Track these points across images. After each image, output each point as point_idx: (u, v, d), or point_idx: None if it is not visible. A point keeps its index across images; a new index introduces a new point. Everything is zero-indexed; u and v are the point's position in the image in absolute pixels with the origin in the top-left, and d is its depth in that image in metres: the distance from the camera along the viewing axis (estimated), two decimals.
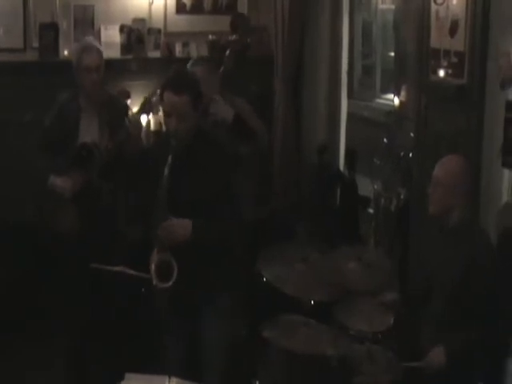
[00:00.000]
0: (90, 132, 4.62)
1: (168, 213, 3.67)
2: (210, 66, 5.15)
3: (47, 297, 5.41)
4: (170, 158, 3.67)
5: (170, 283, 3.61)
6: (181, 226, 3.67)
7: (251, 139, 4.98)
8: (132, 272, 3.75)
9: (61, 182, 4.54)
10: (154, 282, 3.63)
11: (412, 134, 5.13)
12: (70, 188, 4.54)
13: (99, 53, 4.67)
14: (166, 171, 3.65)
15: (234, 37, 6.54)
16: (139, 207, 4.10)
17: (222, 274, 3.86)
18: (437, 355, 3.69)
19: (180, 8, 6.91)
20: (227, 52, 5.80)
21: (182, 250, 3.63)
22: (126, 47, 6.70)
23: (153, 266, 3.63)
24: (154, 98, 4.58)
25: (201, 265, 3.72)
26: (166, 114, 3.79)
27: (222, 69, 5.42)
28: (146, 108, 4.73)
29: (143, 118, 6.12)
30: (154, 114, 6.25)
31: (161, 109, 5.32)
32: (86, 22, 6.53)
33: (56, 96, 4.76)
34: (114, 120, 4.64)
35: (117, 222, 4.77)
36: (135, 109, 6.07)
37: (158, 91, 4.55)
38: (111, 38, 6.61)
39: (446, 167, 3.84)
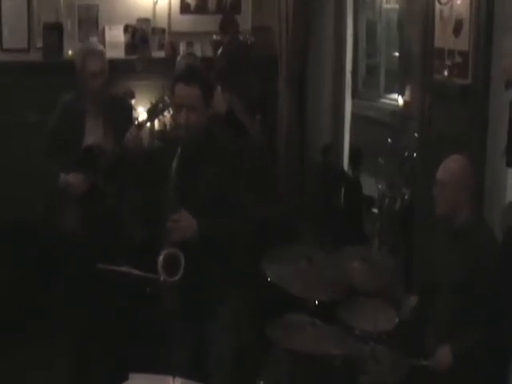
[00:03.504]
0: (94, 133, 4.62)
1: (177, 205, 3.67)
2: (196, 59, 5.18)
3: (47, 297, 5.42)
4: (179, 150, 3.67)
5: (177, 277, 3.61)
6: (187, 222, 3.66)
7: (243, 134, 4.97)
8: (137, 272, 3.75)
9: (73, 179, 4.54)
10: (162, 276, 3.63)
11: (416, 134, 5.13)
12: (80, 184, 4.54)
13: (102, 56, 4.64)
14: (175, 163, 3.65)
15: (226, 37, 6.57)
16: (143, 209, 4.10)
17: (230, 276, 3.86)
18: (444, 355, 3.70)
19: (184, 8, 6.92)
20: (218, 52, 5.82)
21: (191, 250, 3.63)
22: (130, 47, 6.71)
23: (160, 260, 3.63)
24: (161, 105, 4.57)
25: (210, 266, 3.72)
26: (177, 107, 3.78)
27: (214, 68, 5.45)
28: (152, 116, 4.70)
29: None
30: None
31: (167, 111, 5.35)
32: (91, 22, 6.54)
33: (59, 97, 4.75)
34: (118, 121, 4.63)
35: (121, 223, 4.76)
36: (140, 108, 6.11)
37: (166, 97, 4.56)
38: (115, 38, 6.62)
39: (449, 168, 3.84)
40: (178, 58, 5.37)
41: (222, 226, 3.72)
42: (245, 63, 6.56)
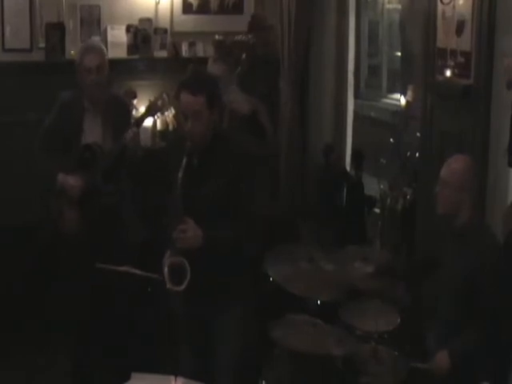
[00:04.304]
0: (93, 132, 4.62)
1: (183, 214, 3.66)
2: (230, 66, 5.17)
3: (47, 297, 5.42)
4: (184, 161, 3.67)
5: (183, 286, 3.60)
6: (194, 232, 3.65)
7: (262, 139, 4.97)
8: (137, 272, 3.75)
9: (73, 181, 4.53)
10: (168, 285, 3.62)
11: (418, 134, 5.13)
12: (79, 185, 4.53)
13: (101, 53, 4.64)
14: (181, 174, 3.65)
15: (249, 38, 6.56)
16: (144, 208, 4.10)
17: (235, 281, 3.86)
18: (442, 359, 3.70)
19: (186, 8, 6.92)
20: (243, 55, 5.82)
21: (197, 258, 3.63)
22: (132, 47, 6.72)
23: (166, 269, 3.63)
24: (160, 102, 4.57)
25: (214, 272, 3.71)
26: (183, 116, 3.79)
27: (237, 70, 5.44)
28: (150, 112, 4.70)
29: (149, 120, 6.11)
30: (161, 114, 6.25)
31: (168, 110, 5.35)
32: (93, 22, 6.55)
33: (58, 95, 4.75)
34: (117, 121, 4.63)
35: (120, 222, 4.76)
36: (142, 108, 6.11)
37: (164, 95, 4.57)
38: (117, 38, 6.63)
39: (452, 167, 3.84)
40: (210, 61, 5.30)
41: (227, 236, 3.71)
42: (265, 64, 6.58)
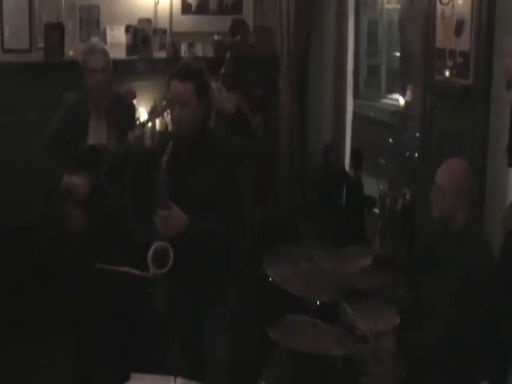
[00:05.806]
0: (98, 133, 4.62)
1: (167, 200, 3.67)
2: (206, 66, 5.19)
3: (47, 297, 5.42)
4: (169, 145, 3.70)
5: (166, 269, 3.61)
6: (178, 216, 3.66)
7: (249, 135, 4.98)
8: (138, 272, 3.75)
9: (78, 181, 4.52)
10: (151, 269, 3.64)
11: (417, 134, 5.13)
12: (85, 185, 4.53)
13: (104, 54, 4.65)
14: (165, 157, 3.68)
15: (237, 39, 6.56)
16: (144, 207, 4.10)
17: (225, 275, 3.86)
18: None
19: (185, 8, 6.93)
20: (227, 55, 5.84)
21: (183, 245, 3.63)
22: (131, 47, 6.72)
23: (150, 254, 3.64)
24: (164, 102, 4.59)
25: (203, 264, 3.72)
26: (172, 104, 3.85)
27: (222, 71, 5.44)
28: (156, 113, 4.72)
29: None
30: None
31: (168, 112, 5.33)
32: (92, 23, 6.55)
33: (64, 97, 4.75)
34: (122, 122, 4.63)
35: (125, 222, 4.76)
36: (141, 109, 6.11)
37: (168, 96, 4.58)
38: (117, 39, 6.63)
39: (447, 172, 3.82)
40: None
41: (214, 228, 3.71)
42: (250, 64, 6.57)
